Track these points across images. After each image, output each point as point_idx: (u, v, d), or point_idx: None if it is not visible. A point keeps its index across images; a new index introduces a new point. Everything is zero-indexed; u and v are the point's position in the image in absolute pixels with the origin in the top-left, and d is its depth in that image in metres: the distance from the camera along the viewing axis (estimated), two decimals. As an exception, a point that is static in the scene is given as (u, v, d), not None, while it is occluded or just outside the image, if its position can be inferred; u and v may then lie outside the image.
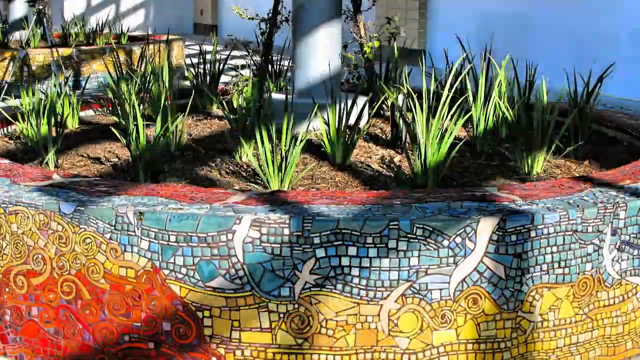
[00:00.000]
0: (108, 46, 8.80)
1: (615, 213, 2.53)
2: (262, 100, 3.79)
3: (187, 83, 5.02)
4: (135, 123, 3.22)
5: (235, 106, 3.96)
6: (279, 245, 2.34)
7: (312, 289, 2.35)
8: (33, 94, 3.97)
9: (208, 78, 4.81)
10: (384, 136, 3.99)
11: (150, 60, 4.89)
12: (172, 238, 2.37)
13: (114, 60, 4.97)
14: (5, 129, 4.09)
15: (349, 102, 3.74)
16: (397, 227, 2.33)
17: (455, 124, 3.17)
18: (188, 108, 4.44)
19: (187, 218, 2.37)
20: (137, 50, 8.69)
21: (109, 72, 4.72)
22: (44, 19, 7.92)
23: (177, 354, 2.44)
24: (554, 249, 2.46)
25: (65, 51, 8.29)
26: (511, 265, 2.41)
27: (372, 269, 2.34)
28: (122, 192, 2.60)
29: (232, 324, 2.39)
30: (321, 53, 4.15)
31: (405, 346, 2.39)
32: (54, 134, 3.60)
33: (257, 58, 4.41)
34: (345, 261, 2.33)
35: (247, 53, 4.53)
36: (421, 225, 2.33)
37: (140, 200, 2.50)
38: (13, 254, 2.57)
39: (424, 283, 2.36)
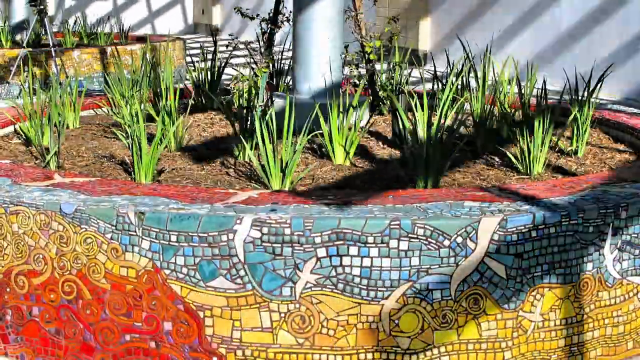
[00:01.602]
0: (109, 46, 8.80)
1: (616, 213, 2.53)
2: (263, 99, 3.79)
3: (188, 83, 5.01)
4: (136, 123, 3.22)
5: (236, 106, 3.96)
6: (280, 245, 2.34)
7: (313, 288, 2.35)
8: (34, 94, 3.97)
9: (209, 77, 4.81)
10: (384, 136, 3.99)
11: (151, 59, 4.89)
12: (173, 238, 2.37)
13: (115, 60, 4.97)
14: (6, 128, 4.09)
15: (350, 102, 3.73)
16: (398, 227, 2.33)
17: (455, 124, 3.17)
18: (189, 108, 4.44)
19: (188, 218, 2.37)
20: (138, 50, 8.69)
21: (105, 72, 4.72)
22: (45, 19, 7.93)
23: (178, 353, 2.44)
24: (555, 249, 2.46)
25: (66, 51, 8.30)
26: (512, 265, 2.41)
27: (373, 268, 2.34)
28: (123, 192, 2.60)
29: (233, 323, 2.39)
30: (322, 52, 4.15)
31: (406, 346, 2.39)
32: (55, 133, 3.60)
33: (258, 57, 4.42)
34: (346, 261, 2.33)
35: (248, 53, 4.53)
36: (422, 225, 2.33)
37: (142, 200, 2.51)
38: (14, 254, 2.57)
39: (425, 283, 2.36)
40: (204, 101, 4.76)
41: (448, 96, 3.61)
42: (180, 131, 3.76)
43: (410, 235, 2.33)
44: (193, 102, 4.57)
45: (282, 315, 2.37)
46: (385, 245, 2.33)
